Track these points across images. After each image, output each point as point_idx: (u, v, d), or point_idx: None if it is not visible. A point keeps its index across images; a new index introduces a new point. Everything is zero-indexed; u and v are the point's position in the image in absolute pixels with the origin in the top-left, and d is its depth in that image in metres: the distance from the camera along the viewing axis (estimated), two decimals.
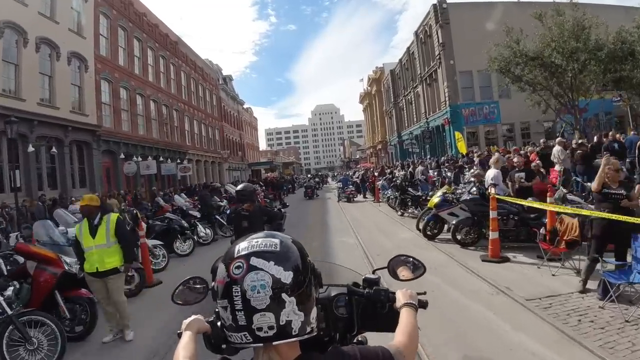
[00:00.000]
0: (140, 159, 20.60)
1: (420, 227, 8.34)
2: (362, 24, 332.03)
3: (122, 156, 19.16)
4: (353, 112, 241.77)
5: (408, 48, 35.14)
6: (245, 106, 51.51)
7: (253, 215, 4.76)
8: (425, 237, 7.87)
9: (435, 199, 7.46)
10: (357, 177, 24.40)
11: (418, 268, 1.39)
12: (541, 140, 13.56)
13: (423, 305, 1.24)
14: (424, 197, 10.75)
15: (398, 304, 1.19)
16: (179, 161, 25.41)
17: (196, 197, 13.98)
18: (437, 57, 26.89)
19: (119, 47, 20.93)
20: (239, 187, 5.27)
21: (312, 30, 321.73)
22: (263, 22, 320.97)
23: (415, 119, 34.90)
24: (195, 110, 31.16)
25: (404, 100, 38.42)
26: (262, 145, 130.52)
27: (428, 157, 28.30)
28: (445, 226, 7.81)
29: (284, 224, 6.49)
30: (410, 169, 14.06)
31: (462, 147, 23.63)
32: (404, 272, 1.38)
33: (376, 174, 20.19)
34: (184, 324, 1.10)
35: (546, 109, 17.94)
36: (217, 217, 11.21)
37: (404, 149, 34.87)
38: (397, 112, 41.48)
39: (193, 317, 1.11)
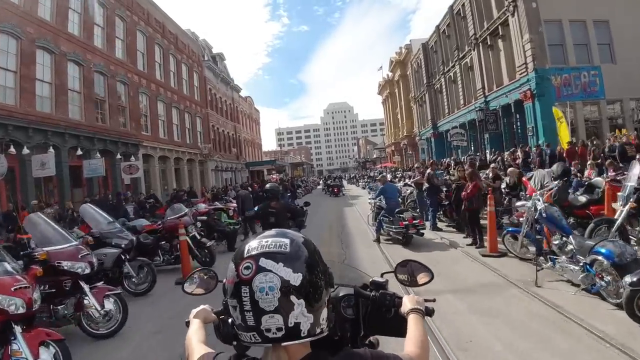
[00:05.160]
0: (29, 151, 12.17)
1: None
2: (374, 24, 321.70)
3: None
4: (367, 112, 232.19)
5: (451, 7, 26.09)
6: (242, 94, 42.96)
7: (279, 211, 5.14)
8: None
9: None
10: (410, 181, 14.87)
11: (428, 271, 1.34)
12: None
13: (430, 312, 1.20)
14: None
15: (404, 309, 1.16)
16: (119, 156, 16.92)
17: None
18: (511, 0, 17.82)
19: None
20: (267, 186, 5.88)
21: (324, 30, 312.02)
22: (275, 23, 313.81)
23: (462, 101, 25.77)
24: (160, 87, 22.60)
25: (443, 79, 29.29)
26: (271, 144, 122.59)
27: (489, 150, 19.26)
28: None
29: (305, 220, 7.37)
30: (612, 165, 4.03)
31: (565, 132, 14.56)
32: (421, 276, 1.34)
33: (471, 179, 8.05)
34: (192, 312, 1.16)
35: None
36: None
37: (449, 141, 25.68)
38: (432, 97, 32.33)
39: (201, 306, 1.18)
